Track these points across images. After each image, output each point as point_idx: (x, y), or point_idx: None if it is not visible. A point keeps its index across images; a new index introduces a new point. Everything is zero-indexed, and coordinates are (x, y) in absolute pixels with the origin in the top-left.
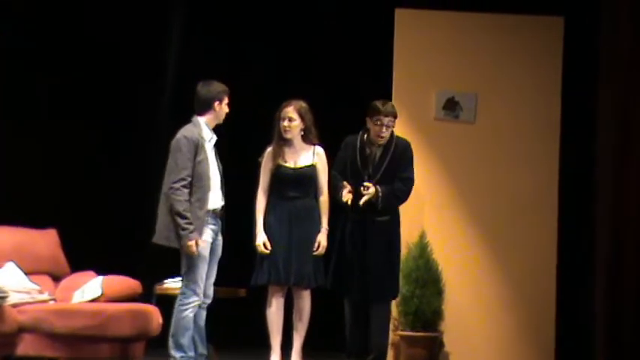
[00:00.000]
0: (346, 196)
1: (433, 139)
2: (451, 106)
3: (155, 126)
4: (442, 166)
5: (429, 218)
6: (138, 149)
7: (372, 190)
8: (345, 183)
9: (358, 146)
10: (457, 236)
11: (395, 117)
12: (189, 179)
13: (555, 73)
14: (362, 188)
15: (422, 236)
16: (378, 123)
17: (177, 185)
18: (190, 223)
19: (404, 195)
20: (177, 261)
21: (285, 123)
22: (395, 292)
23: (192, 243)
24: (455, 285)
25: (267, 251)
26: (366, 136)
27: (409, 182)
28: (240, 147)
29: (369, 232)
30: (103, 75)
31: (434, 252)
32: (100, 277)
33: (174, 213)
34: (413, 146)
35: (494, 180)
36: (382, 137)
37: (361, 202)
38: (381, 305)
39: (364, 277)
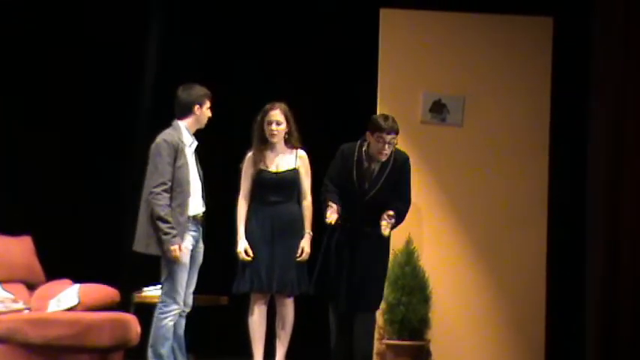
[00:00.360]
0: (330, 217)
1: (420, 143)
2: (438, 108)
3: (134, 130)
4: (429, 171)
5: (416, 224)
6: (116, 154)
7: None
8: (331, 203)
9: (355, 158)
10: (445, 243)
11: (397, 133)
12: (170, 184)
13: (545, 74)
14: (386, 216)
15: (408, 242)
16: (380, 140)
17: (157, 190)
18: (173, 228)
19: (404, 217)
20: (156, 268)
21: (273, 127)
22: (380, 301)
23: (175, 247)
24: (442, 292)
25: (249, 258)
26: (364, 148)
27: (409, 203)
28: (222, 152)
29: (359, 241)
30: (78, 79)
31: (421, 259)
32: (77, 285)
33: (155, 218)
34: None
35: (483, 185)
36: (384, 154)
37: (384, 232)
38: (366, 313)
39: (351, 287)
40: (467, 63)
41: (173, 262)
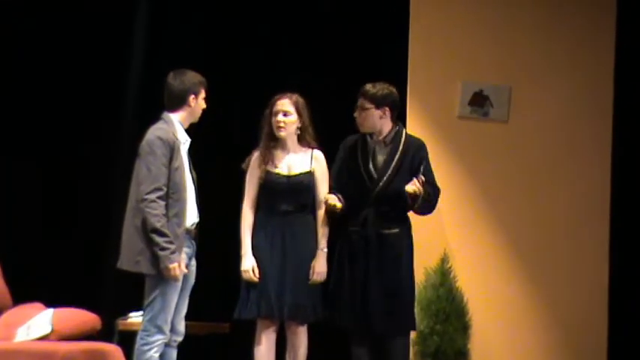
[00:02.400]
0: (331, 199)
1: (457, 142)
2: (479, 101)
3: (116, 128)
4: (467, 176)
5: (453, 238)
6: (95, 158)
7: (420, 188)
8: (330, 194)
9: (360, 147)
10: (486, 260)
11: (373, 101)
12: (165, 189)
13: (607, 59)
14: (417, 181)
15: (443, 260)
16: (356, 106)
17: (151, 196)
18: (171, 242)
19: (434, 204)
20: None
21: (279, 117)
22: (411, 323)
23: (174, 266)
24: (483, 319)
25: (256, 279)
26: (369, 136)
27: (438, 189)
28: (220, 151)
29: (374, 249)
30: (51, 71)
31: (458, 279)
32: (50, 310)
33: (149, 230)
34: (431, 150)
35: (531, 192)
36: (358, 123)
37: (408, 188)
38: (396, 341)
39: (370, 306)
40: (513, 46)
41: (165, 283)
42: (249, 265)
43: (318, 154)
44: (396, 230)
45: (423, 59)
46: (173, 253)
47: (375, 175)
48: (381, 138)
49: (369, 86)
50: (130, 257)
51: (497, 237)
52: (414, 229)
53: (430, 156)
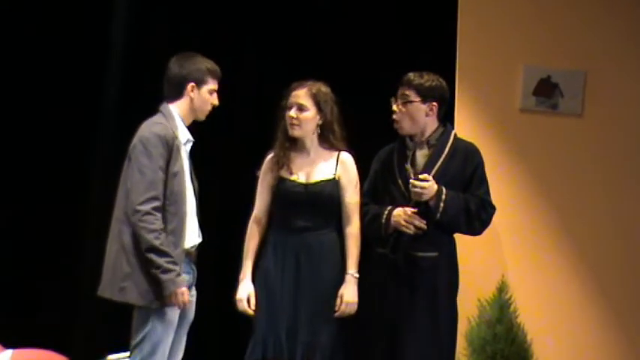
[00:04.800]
0: (417, 224)
1: (517, 142)
2: (546, 90)
3: (96, 132)
4: (532, 183)
5: (512, 262)
6: (69, 162)
7: (427, 184)
8: (405, 210)
9: (396, 156)
10: (556, 289)
11: (419, 93)
12: (162, 199)
13: None
14: (413, 181)
15: (500, 290)
16: (394, 99)
17: (145, 207)
18: (174, 262)
19: (478, 221)
20: (129, 325)
21: (293, 113)
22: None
23: (183, 290)
24: None
25: (251, 311)
26: (408, 138)
27: (490, 206)
28: (227, 154)
29: (405, 277)
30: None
31: (519, 314)
32: (8, 352)
33: (145, 249)
34: (485, 152)
35: (611, 202)
36: (398, 122)
37: (413, 196)
38: None
39: (399, 349)
40: (589, 21)
41: (158, 317)
42: (243, 293)
43: (346, 158)
44: (433, 254)
45: (474, 38)
46: (179, 276)
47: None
48: (423, 138)
49: (413, 75)
50: (114, 283)
51: (570, 260)
52: (464, 251)
53: (485, 158)
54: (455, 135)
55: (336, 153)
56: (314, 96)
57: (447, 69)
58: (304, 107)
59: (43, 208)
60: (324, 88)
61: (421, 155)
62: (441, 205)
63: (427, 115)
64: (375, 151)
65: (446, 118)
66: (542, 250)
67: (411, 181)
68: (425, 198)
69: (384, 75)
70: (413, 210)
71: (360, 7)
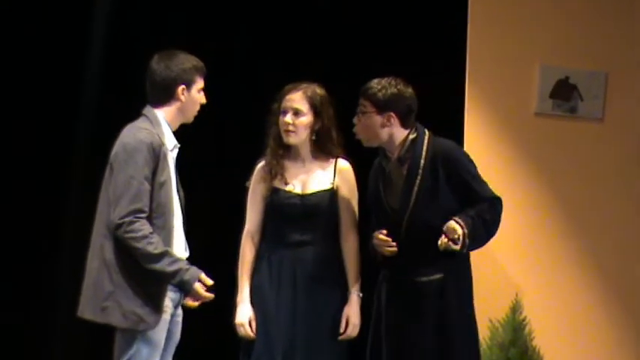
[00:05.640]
0: (387, 249)
1: (532, 148)
2: (564, 92)
3: (73, 137)
4: (548, 193)
5: (527, 279)
6: (43, 170)
7: (458, 231)
8: (376, 234)
9: (379, 168)
10: (574, 308)
11: (370, 99)
12: (148, 211)
13: None
14: (446, 231)
15: (514, 309)
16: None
17: (128, 218)
18: (176, 260)
19: (495, 225)
20: (109, 349)
21: (288, 118)
22: None
23: (198, 286)
24: None
25: (254, 335)
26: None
27: (497, 201)
28: (213, 162)
29: (410, 303)
30: None
31: (535, 336)
32: None
33: (143, 261)
34: (498, 159)
35: (637, 215)
36: (357, 134)
37: (441, 245)
38: None
39: None
40: (610, 18)
41: (144, 340)
42: (244, 316)
43: (344, 166)
44: (439, 276)
45: (485, 34)
46: (189, 270)
47: (396, 206)
48: (394, 155)
49: (370, 83)
50: (96, 302)
51: (591, 277)
52: (472, 266)
53: (497, 167)
54: (429, 139)
55: (334, 160)
56: (310, 99)
57: (455, 68)
58: (300, 112)
59: (14, 223)
60: (319, 90)
61: (397, 176)
62: (466, 241)
63: (384, 126)
64: (375, 157)
65: (456, 117)
66: (559, 266)
67: (443, 244)
68: (457, 245)
69: (384, 73)
70: (383, 233)
71: (361, 3)
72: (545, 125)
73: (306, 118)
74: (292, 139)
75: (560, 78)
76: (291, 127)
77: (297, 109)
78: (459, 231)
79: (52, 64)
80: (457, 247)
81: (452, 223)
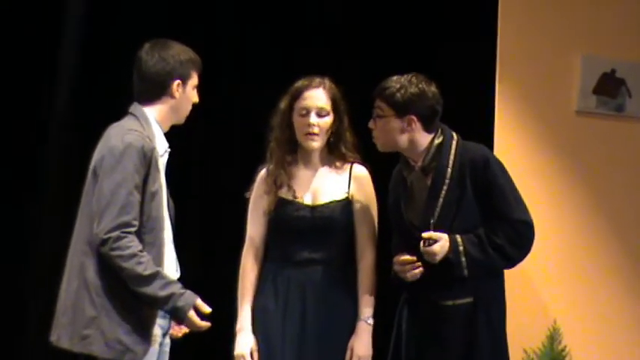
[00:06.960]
0: (413, 273)
1: (573, 151)
2: (610, 87)
3: (47, 138)
4: (591, 203)
5: (566, 304)
6: (13, 176)
7: (437, 245)
8: (396, 259)
9: (401, 178)
10: (620, 337)
11: (387, 101)
12: (137, 225)
13: None
14: (422, 243)
15: (552, 338)
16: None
17: (115, 233)
18: (170, 283)
19: (520, 250)
20: None
21: (313, 119)
22: None
23: (192, 314)
24: None
25: None
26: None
27: (522, 225)
28: (209, 170)
29: (433, 330)
30: None
31: None
32: None
33: (133, 284)
34: (534, 163)
35: None
36: (375, 140)
37: (416, 271)
38: None
39: None
40: None
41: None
42: (245, 347)
43: (360, 172)
44: (468, 300)
45: (519, 22)
46: (183, 295)
47: (417, 222)
48: (418, 164)
49: (387, 82)
50: (74, 329)
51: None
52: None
53: (532, 174)
54: (457, 144)
55: (348, 166)
56: (332, 96)
57: (485, 60)
58: (325, 112)
59: None
60: (334, 86)
61: (420, 188)
62: (463, 259)
63: (404, 131)
64: (396, 160)
65: (486, 117)
66: (604, 288)
67: (421, 249)
68: (440, 258)
69: (400, 67)
70: (404, 258)
71: None
72: (588, 125)
73: (330, 119)
74: (317, 144)
75: (605, 71)
76: (316, 130)
77: (322, 109)
78: (441, 244)
79: (20, 55)
80: (437, 256)
81: (432, 236)
